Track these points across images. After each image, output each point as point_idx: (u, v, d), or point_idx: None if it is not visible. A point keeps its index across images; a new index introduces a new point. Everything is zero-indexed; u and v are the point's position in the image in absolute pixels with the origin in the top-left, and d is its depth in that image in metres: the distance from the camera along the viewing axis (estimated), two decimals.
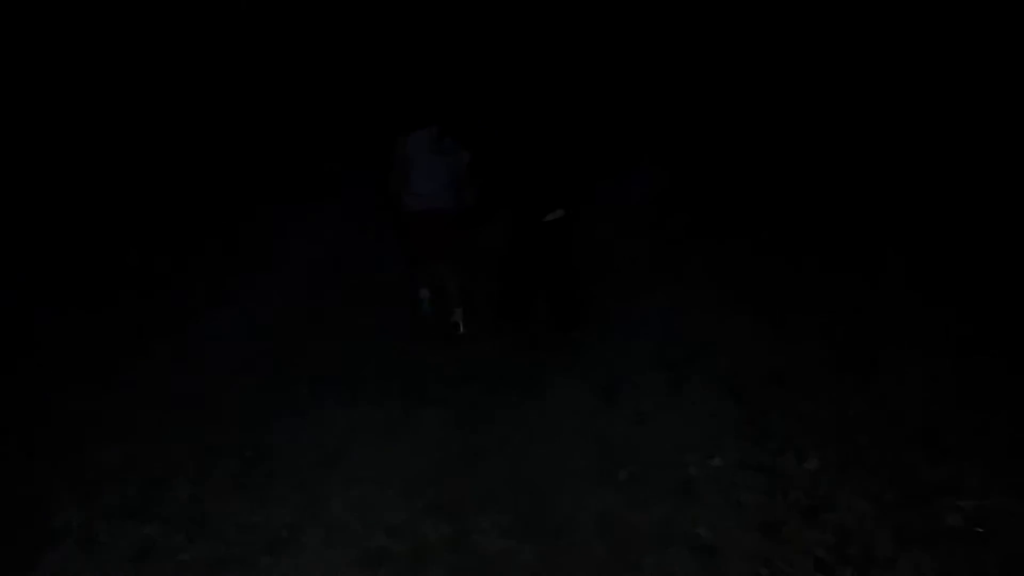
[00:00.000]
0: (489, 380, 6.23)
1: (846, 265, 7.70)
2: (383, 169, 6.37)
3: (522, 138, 6.12)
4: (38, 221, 8.40)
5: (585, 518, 4.88)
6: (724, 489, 5.07)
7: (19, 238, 8.15)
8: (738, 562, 4.53)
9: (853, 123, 10.22)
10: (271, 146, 10.52)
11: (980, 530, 4.65)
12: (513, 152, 6.12)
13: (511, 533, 4.78)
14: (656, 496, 5.03)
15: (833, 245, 8.14)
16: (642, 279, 7.81)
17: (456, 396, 6.03)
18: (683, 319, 7.02)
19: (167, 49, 9.79)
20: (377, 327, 7.01)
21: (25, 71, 8.78)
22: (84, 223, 8.62)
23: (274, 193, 9.73)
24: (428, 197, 6.08)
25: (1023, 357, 6.13)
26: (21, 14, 8.77)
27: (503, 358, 6.51)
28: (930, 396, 5.81)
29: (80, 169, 9.21)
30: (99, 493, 5.04)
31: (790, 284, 7.46)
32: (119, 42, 9.64)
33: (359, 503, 4.97)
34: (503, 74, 9.27)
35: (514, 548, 4.65)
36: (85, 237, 8.42)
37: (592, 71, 10.45)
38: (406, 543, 4.67)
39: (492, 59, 9.71)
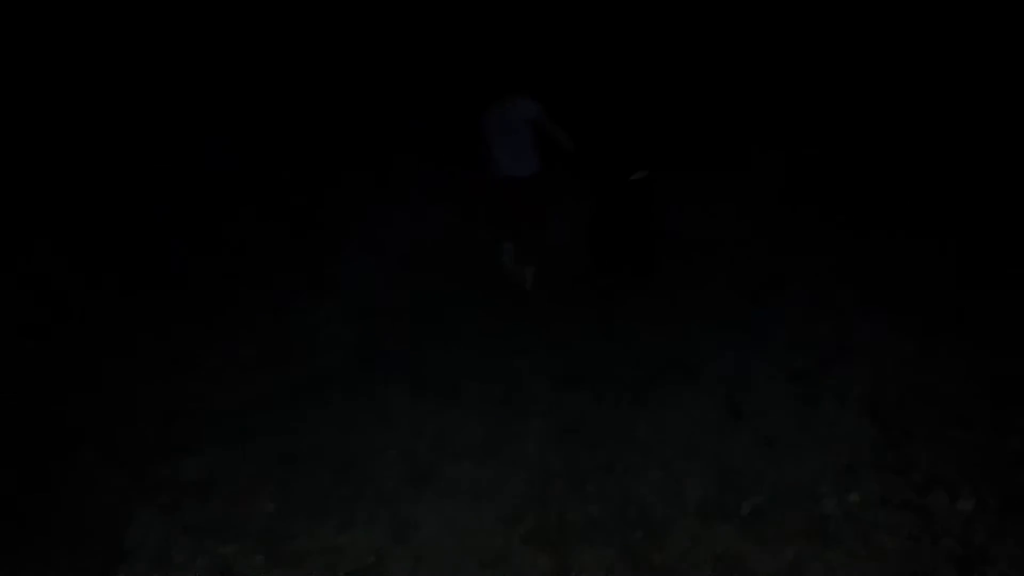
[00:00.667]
0: (596, 383, 5.71)
1: (1015, 281, 6.66)
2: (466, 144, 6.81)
3: (608, 106, 6.62)
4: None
5: (701, 558, 4.34)
6: (863, 531, 4.45)
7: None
8: None
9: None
10: (353, 106, 9.98)
11: None
12: (600, 117, 6.56)
13: (617, 570, 4.27)
14: (784, 536, 4.43)
15: (996, 252, 7.13)
16: (767, 274, 7.11)
17: (561, 404, 5.52)
18: (814, 322, 6.31)
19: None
20: (470, 316, 6.63)
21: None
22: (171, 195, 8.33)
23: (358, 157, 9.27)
24: (504, 166, 6.46)
25: None
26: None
27: (611, 358, 5.96)
28: None
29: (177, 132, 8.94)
30: (177, 507, 4.75)
31: (939, 290, 6.63)
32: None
33: (451, 526, 4.55)
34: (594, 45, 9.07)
35: None
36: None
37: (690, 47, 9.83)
38: None
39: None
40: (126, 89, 8.55)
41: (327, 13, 10.07)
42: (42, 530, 4.65)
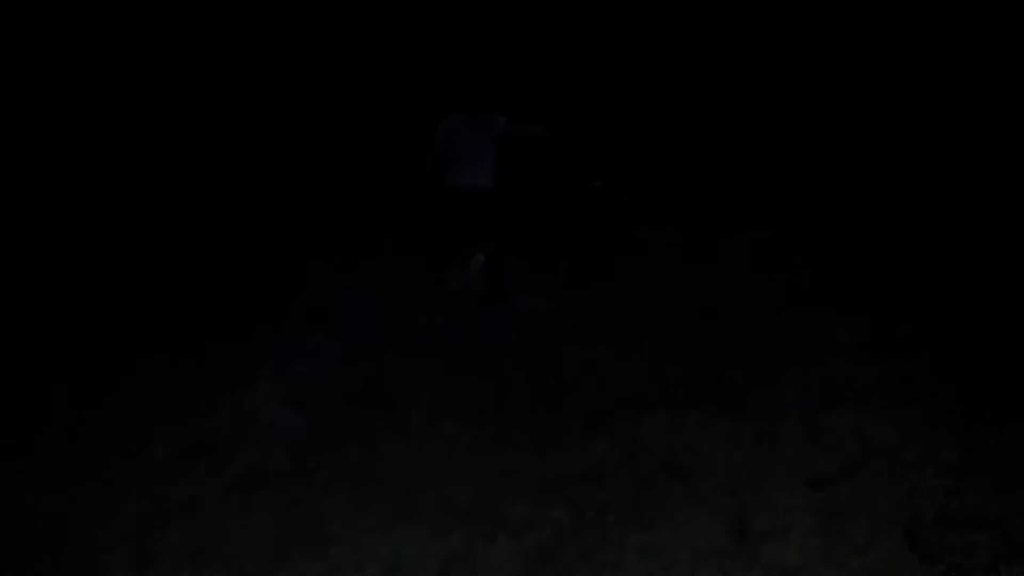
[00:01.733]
0: (576, 492, 4.84)
1: None
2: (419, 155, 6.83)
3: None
4: None
5: None
6: None
7: None
8: None
9: None
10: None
11: None
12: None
13: None
14: None
15: None
16: (781, 345, 6.22)
17: (534, 522, 4.58)
18: (838, 412, 5.41)
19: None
20: (435, 401, 5.78)
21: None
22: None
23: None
24: (468, 175, 6.61)
25: None
26: None
27: (595, 458, 5.05)
28: None
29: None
30: None
31: (990, 371, 5.73)
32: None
33: None
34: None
35: None
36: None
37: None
38: None
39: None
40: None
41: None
42: None
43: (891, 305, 6.77)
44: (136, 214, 8.27)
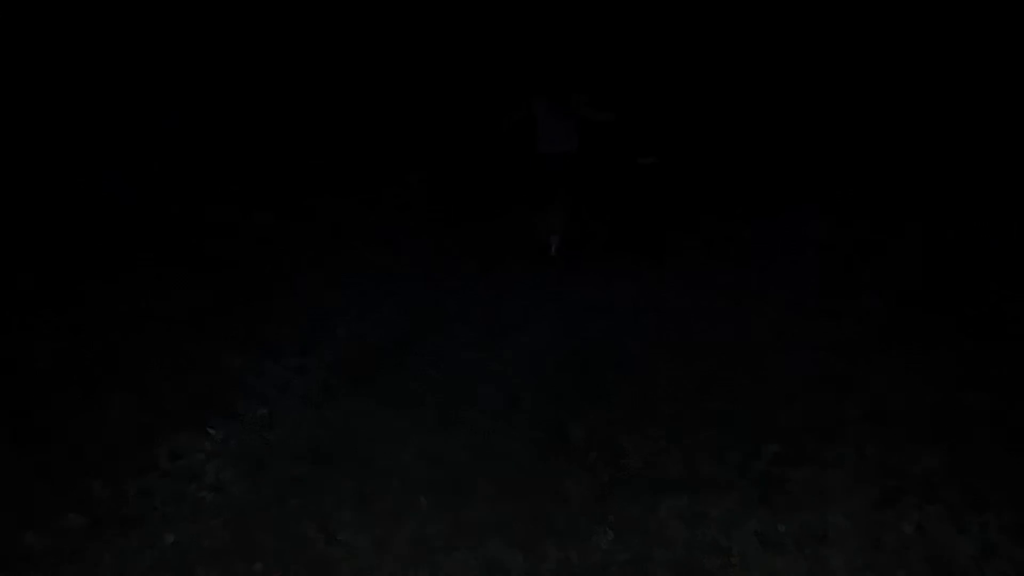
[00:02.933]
0: None
1: None
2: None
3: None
4: None
5: None
6: None
7: None
8: None
9: None
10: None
11: None
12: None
13: None
14: None
15: None
16: (826, 408, 5.18)
17: None
18: (898, 509, 4.41)
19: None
20: (410, 465, 4.84)
21: None
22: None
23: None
24: (555, 142, 7.40)
25: None
26: None
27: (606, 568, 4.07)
28: None
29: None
30: None
31: None
32: None
33: None
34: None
35: None
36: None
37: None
38: None
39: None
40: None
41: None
42: None
43: (953, 354, 5.77)
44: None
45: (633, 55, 9.02)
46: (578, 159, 7.54)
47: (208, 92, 9.16)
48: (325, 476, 4.68)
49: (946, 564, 4.11)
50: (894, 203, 8.18)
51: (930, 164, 8.62)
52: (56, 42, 8.89)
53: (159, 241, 7.36)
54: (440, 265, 7.36)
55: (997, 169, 8.38)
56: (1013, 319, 6.29)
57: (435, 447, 4.94)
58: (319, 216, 8.06)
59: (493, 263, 7.45)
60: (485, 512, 4.45)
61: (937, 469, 4.73)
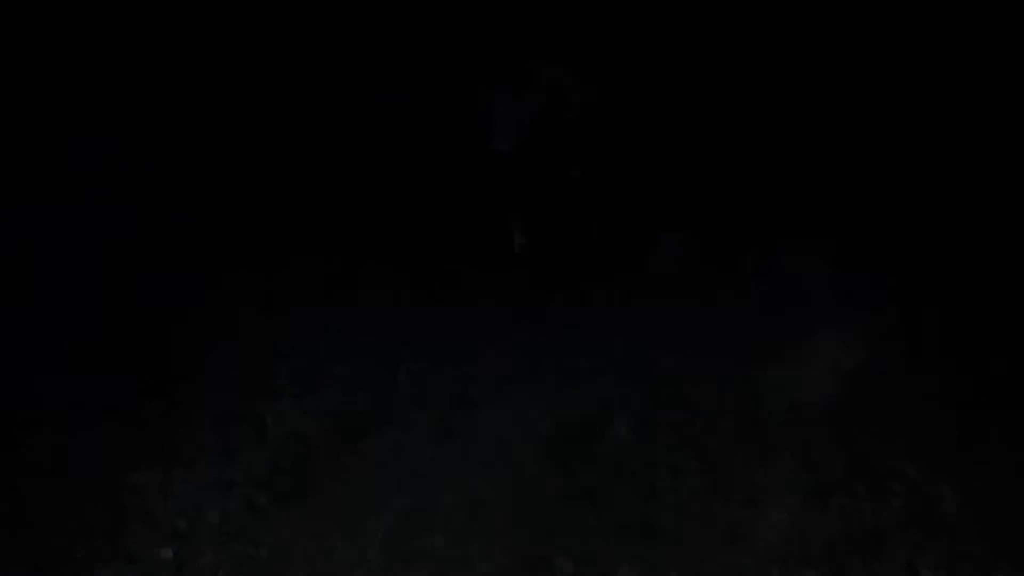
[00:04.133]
0: None
1: None
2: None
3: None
4: None
5: None
6: None
7: None
8: None
9: None
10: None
11: None
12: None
13: None
14: None
15: None
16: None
17: None
18: None
19: None
20: None
21: None
22: None
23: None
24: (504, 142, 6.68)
25: None
26: None
27: None
28: None
29: None
30: None
31: None
32: None
33: None
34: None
35: None
36: None
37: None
38: None
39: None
40: None
41: None
42: None
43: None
44: None
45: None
46: (531, 159, 6.85)
47: None
48: None
49: None
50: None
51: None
52: None
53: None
54: (396, 315, 6.25)
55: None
56: None
57: None
58: (243, 258, 6.81)
59: (457, 305, 6.35)
60: None
61: None
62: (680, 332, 5.95)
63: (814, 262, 6.50)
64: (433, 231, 7.15)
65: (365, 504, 4.54)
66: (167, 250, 6.88)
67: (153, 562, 4.16)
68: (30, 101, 7.69)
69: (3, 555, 4.15)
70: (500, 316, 6.21)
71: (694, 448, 4.93)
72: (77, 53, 8.00)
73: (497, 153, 6.80)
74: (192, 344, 5.84)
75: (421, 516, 4.46)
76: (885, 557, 4.16)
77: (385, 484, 4.68)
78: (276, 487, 4.65)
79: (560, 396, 5.41)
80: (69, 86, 7.87)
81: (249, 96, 8.16)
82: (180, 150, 7.73)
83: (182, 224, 7.15)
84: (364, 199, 7.68)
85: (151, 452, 4.86)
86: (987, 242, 6.71)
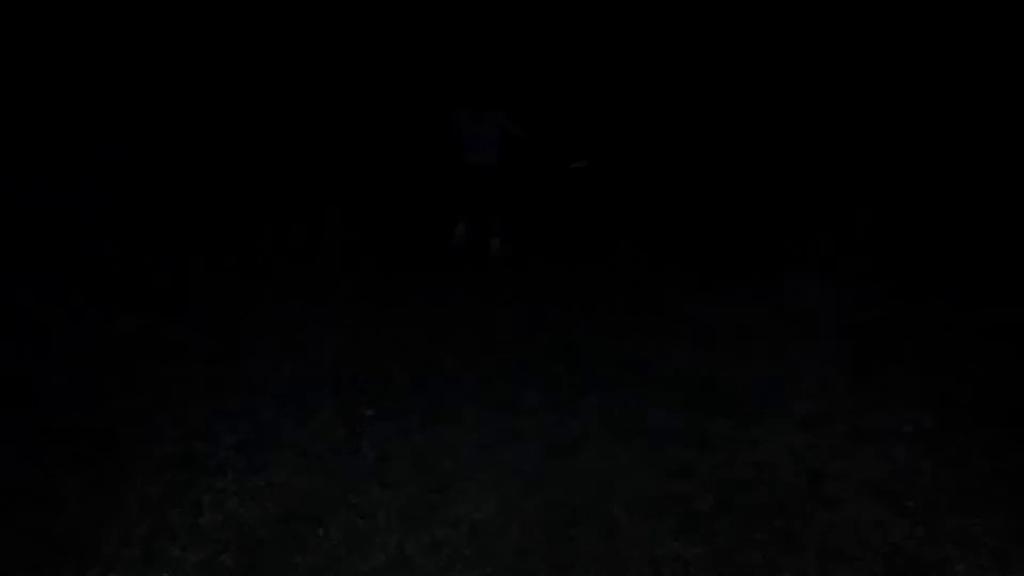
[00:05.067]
0: None
1: None
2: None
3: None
4: None
5: None
6: None
7: None
8: None
9: None
10: None
11: None
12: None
13: None
14: None
15: None
16: None
17: None
18: None
19: None
20: None
21: None
22: None
23: None
24: (479, 155, 7.21)
25: None
26: None
27: None
28: None
29: None
30: None
31: None
32: None
33: None
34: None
35: None
36: None
37: None
38: None
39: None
40: None
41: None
42: None
43: None
44: None
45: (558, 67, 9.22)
46: (501, 173, 7.30)
47: None
48: None
49: None
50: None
51: None
52: None
53: None
54: (362, 368, 5.53)
55: None
56: None
57: None
58: (191, 310, 6.13)
59: (428, 358, 5.65)
60: None
61: None
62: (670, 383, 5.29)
63: None
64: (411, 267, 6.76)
65: None
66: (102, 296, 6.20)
67: None
68: None
69: None
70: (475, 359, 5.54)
71: (689, 532, 4.21)
72: None
73: (468, 167, 7.17)
74: (122, 403, 5.09)
75: None
76: None
77: None
78: None
79: (543, 469, 4.68)
80: None
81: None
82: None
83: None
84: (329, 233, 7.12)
85: (61, 549, 4.07)
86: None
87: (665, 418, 5.12)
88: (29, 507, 4.33)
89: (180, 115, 8.84)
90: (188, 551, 4.10)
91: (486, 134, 7.11)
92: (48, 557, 4.03)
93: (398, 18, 9.68)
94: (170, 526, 4.25)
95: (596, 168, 7.50)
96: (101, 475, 4.55)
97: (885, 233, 7.24)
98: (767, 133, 8.89)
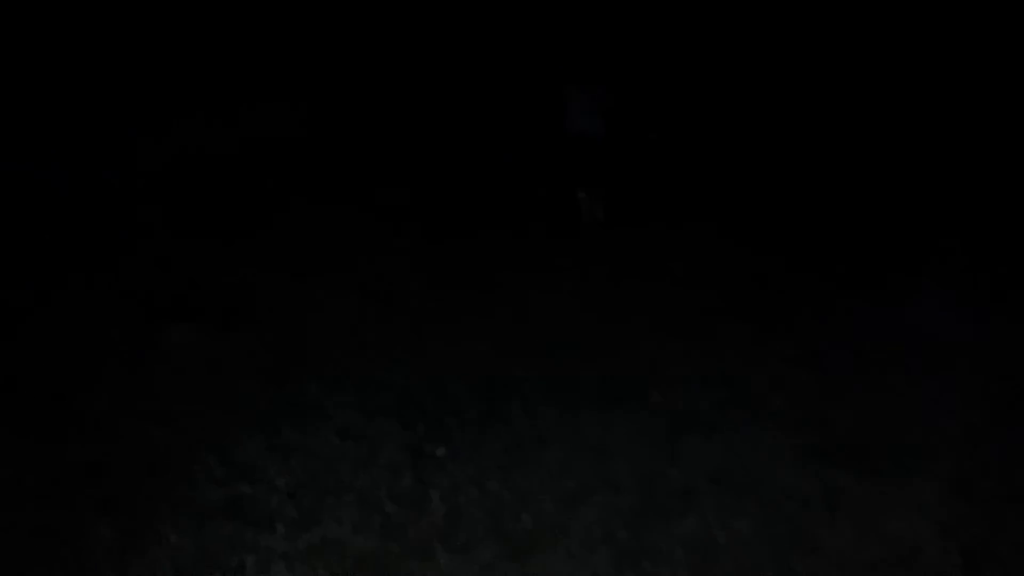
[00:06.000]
0: None
1: None
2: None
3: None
4: None
5: None
6: None
7: None
8: None
9: None
10: None
11: None
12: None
13: None
14: None
15: None
16: None
17: None
18: None
19: None
20: None
21: None
22: None
23: None
24: (586, 127, 7.28)
25: None
26: None
27: None
28: None
29: None
30: None
31: None
32: None
33: None
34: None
35: None
36: None
37: None
38: None
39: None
40: None
41: None
42: None
43: None
44: None
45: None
46: (605, 145, 7.35)
47: None
48: None
49: None
50: None
51: None
52: None
53: None
54: (431, 390, 4.93)
55: None
56: None
57: None
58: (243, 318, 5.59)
59: (504, 381, 5.01)
60: None
61: None
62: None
63: None
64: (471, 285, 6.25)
65: None
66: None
67: None
68: None
69: None
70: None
71: None
72: None
73: (573, 138, 7.27)
74: (164, 433, 4.56)
75: None
76: None
77: None
78: None
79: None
80: None
81: None
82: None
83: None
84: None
85: None
86: None
87: (781, 470, 4.36)
88: (50, 558, 3.79)
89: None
90: None
91: (592, 108, 7.27)
92: None
93: None
94: None
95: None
96: (135, 523, 4.00)
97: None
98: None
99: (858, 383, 5.04)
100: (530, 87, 8.32)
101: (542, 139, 7.81)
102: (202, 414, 4.76)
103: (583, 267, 6.47)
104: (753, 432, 4.66)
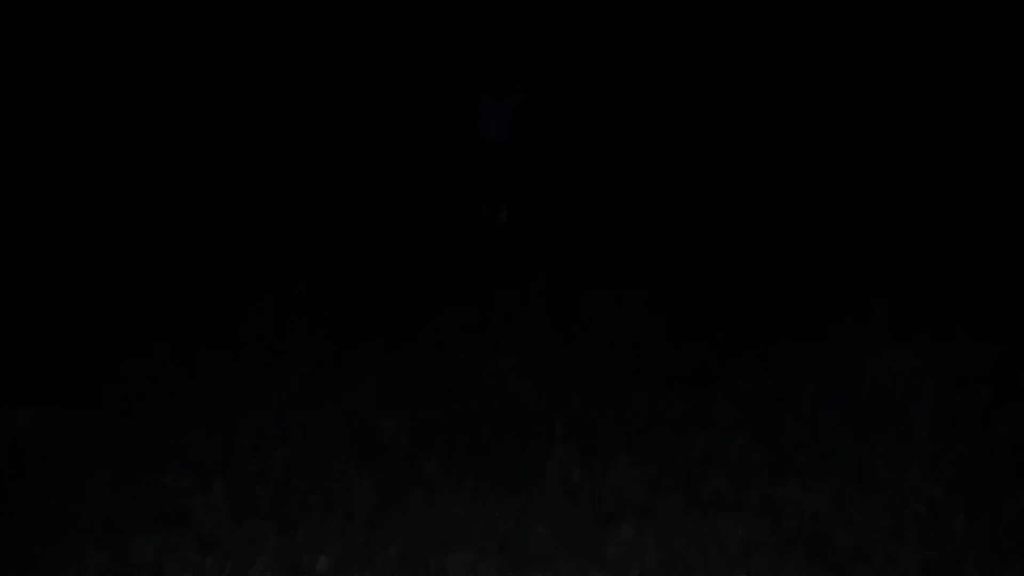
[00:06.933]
0: None
1: None
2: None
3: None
4: None
5: None
6: None
7: None
8: None
9: None
10: None
11: None
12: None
13: None
14: None
15: None
16: None
17: None
18: None
19: None
20: None
21: None
22: None
23: None
24: (496, 133, 7.22)
25: None
26: None
27: None
28: None
29: None
30: None
31: None
32: None
33: None
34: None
35: None
36: None
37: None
38: None
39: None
40: None
41: None
42: None
43: None
44: None
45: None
46: (514, 149, 7.31)
47: None
48: None
49: None
50: None
51: None
52: None
53: None
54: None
55: None
56: None
57: None
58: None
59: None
60: None
61: None
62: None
63: None
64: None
65: None
66: None
67: None
68: None
69: None
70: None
71: None
72: None
73: (484, 141, 7.19)
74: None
75: None
76: None
77: None
78: None
79: None
80: None
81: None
82: None
83: None
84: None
85: None
86: None
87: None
88: None
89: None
90: None
91: (504, 114, 7.28)
92: None
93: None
94: None
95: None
96: None
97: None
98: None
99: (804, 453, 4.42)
100: (443, 91, 8.04)
101: (452, 145, 7.63)
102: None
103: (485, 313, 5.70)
104: (701, 513, 4.02)
